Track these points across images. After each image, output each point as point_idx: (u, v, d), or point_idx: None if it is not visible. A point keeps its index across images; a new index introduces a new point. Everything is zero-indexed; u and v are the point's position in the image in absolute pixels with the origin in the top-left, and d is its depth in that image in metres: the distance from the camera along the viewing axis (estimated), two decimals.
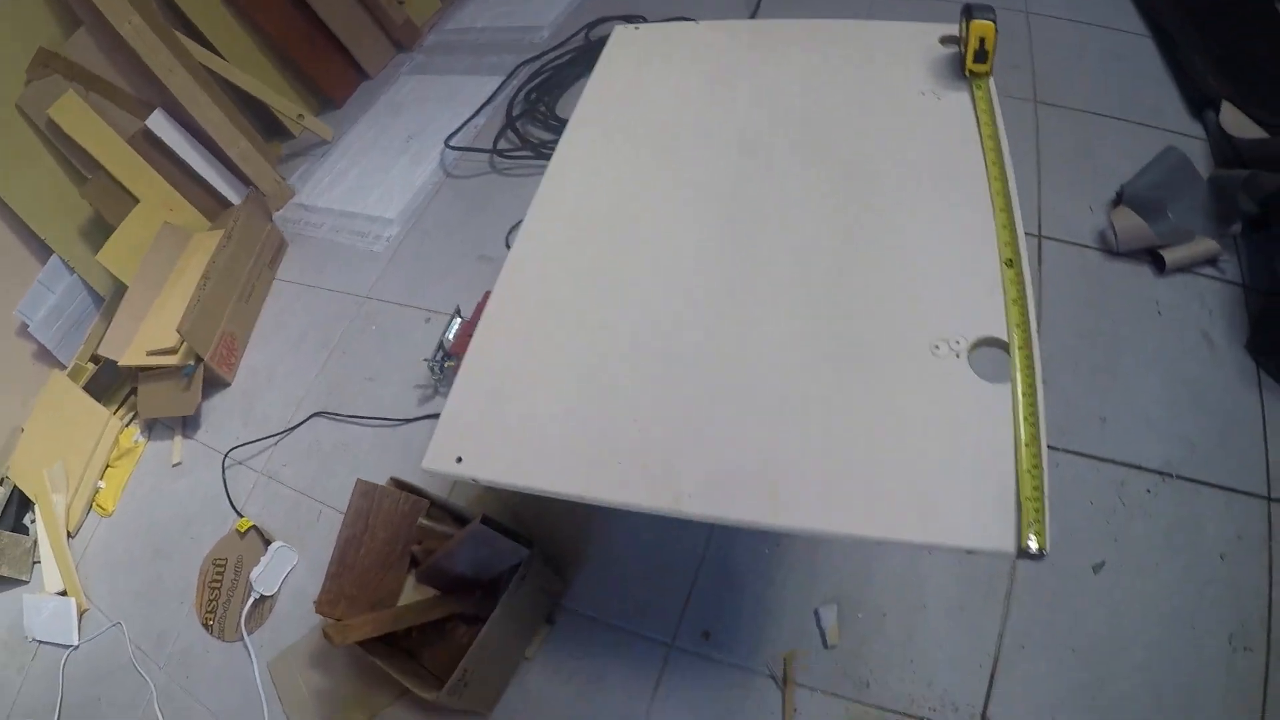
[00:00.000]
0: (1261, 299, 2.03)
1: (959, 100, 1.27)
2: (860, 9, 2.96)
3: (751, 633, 1.63)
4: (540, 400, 1.00)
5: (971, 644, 1.60)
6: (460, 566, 1.60)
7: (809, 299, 1.03)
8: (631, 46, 1.55)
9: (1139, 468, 1.79)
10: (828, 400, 0.93)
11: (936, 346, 0.97)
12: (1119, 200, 2.19)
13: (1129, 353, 1.97)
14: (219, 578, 2.08)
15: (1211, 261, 2.11)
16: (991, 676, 1.57)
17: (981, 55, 1.29)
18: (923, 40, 1.39)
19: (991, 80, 1.29)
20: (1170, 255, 2.06)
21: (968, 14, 1.28)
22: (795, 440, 0.90)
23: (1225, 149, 2.33)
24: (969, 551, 0.83)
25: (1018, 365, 0.93)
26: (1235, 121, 2.37)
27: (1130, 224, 2.08)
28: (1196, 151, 2.35)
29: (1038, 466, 0.86)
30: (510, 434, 0.97)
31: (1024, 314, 0.97)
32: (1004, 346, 0.95)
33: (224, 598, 2.05)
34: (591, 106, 1.43)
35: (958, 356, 0.95)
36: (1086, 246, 2.18)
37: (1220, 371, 1.92)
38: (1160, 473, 1.77)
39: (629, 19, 3.17)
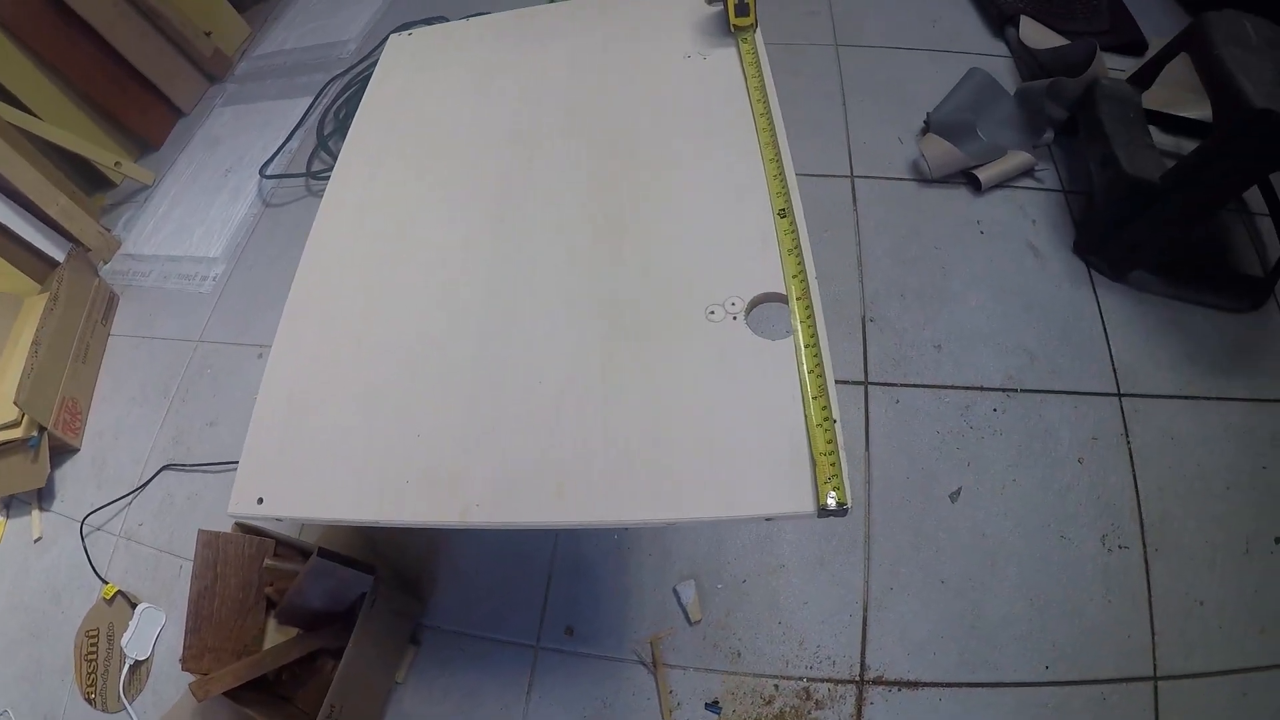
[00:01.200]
0: (1082, 200, 2.08)
1: (726, 57, 1.24)
2: None
3: (614, 622, 1.62)
4: (330, 429, 0.94)
5: (838, 596, 1.60)
6: (313, 601, 1.56)
7: (580, 285, 1.00)
8: (404, 55, 1.48)
9: (981, 388, 1.80)
10: (606, 386, 0.90)
11: (712, 311, 0.93)
12: (928, 129, 2.20)
13: (956, 276, 1.99)
14: (94, 649, 1.99)
15: (1028, 172, 2.15)
16: (864, 624, 1.57)
17: (743, 9, 1.26)
18: (689, 3, 1.34)
19: (758, 32, 1.26)
20: (984, 174, 2.09)
21: None
22: (577, 433, 0.87)
23: (1029, 62, 2.38)
24: (767, 519, 0.79)
25: (798, 317, 0.90)
26: (1035, 34, 2.42)
27: (939, 150, 2.09)
28: (1002, 69, 2.41)
29: (829, 419, 0.83)
30: (305, 467, 0.92)
31: (800, 263, 0.94)
32: (783, 300, 0.92)
33: (101, 668, 1.96)
34: (365, 122, 1.36)
35: (734, 319, 0.92)
36: (901, 179, 2.20)
37: (1050, 278, 1.96)
38: (1004, 389, 1.79)
39: (431, 21, 3.08)
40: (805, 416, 0.84)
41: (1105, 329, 1.83)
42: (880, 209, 2.13)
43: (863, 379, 1.83)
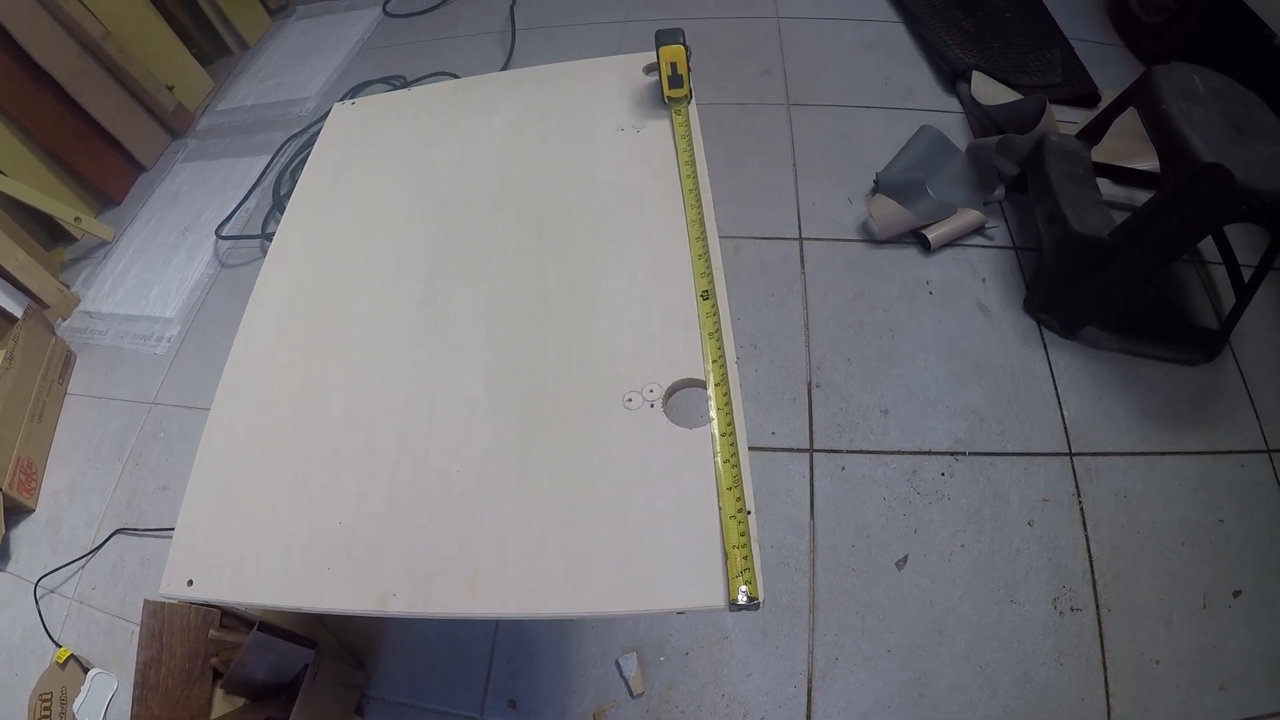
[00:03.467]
0: (1033, 258, 2.09)
1: (659, 130, 1.24)
2: (612, 42, 2.96)
3: (557, 695, 1.59)
4: (259, 510, 0.93)
5: (782, 667, 1.58)
6: (256, 674, 1.57)
7: (501, 372, 0.98)
8: (345, 124, 1.48)
9: (929, 453, 1.80)
10: (523, 477, 0.88)
11: (629, 399, 0.92)
12: (877, 189, 2.22)
13: (904, 338, 1.99)
14: (47, 713, 1.96)
15: (979, 230, 2.16)
16: (809, 695, 1.55)
17: (676, 80, 1.26)
18: (627, 73, 1.36)
19: (692, 104, 1.26)
20: (934, 233, 2.10)
21: (658, 40, 1.25)
22: (493, 523, 0.85)
23: (980, 117, 2.42)
24: (679, 613, 0.77)
25: (715, 404, 0.89)
26: (986, 89, 2.45)
27: (887, 211, 2.11)
28: (954, 125, 2.43)
29: (742, 509, 0.81)
30: (234, 549, 0.90)
31: (720, 348, 0.93)
32: (701, 385, 0.91)
33: None
34: (304, 194, 1.34)
35: (652, 406, 0.91)
36: (849, 240, 2.21)
37: (1000, 337, 1.96)
38: (952, 453, 1.79)
39: (389, 81, 3.10)
40: (719, 508, 0.82)
41: (1056, 387, 1.84)
42: (828, 271, 2.13)
43: (808, 446, 1.83)
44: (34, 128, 2.90)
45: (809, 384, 1.90)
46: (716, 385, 0.90)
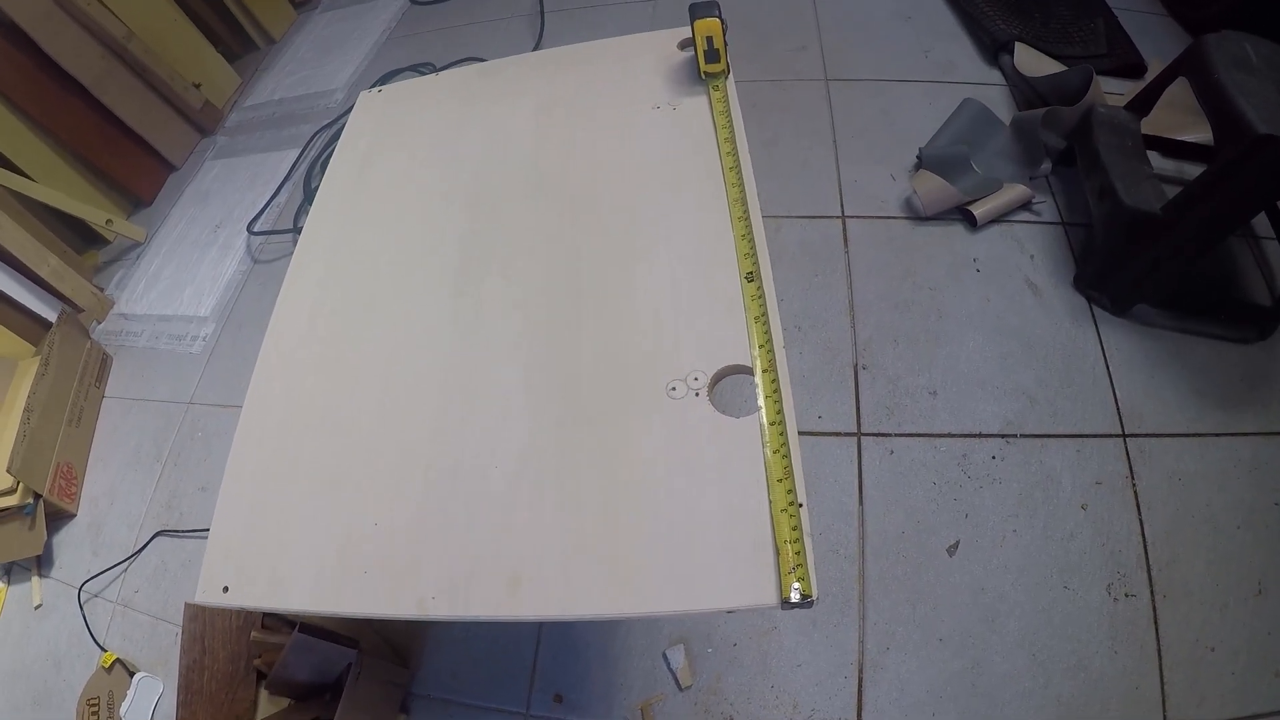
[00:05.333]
0: (1082, 233, 2.01)
1: (696, 107, 1.20)
2: (644, 20, 2.92)
3: (603, 688, 1.57)
4: (293, 513, 0.90)
5: (832, 657, 1.53)
6: (299, 675, 1.57)
7: (537, 365, 0.95)
8: (372, 112, 1.45)
9: (979, 435, 1.74)
10: (562, 472, 0.84)
11: (673, 388, 0.88)
12: (920, 165, 2.15)
13: (951, 318, 1.93)
14: (95, 718, 1.96)
15: (1026, 206, 2.09)
16: (859, 686, 1.50)
17: (713, 55, 1.21)
18: (661, 49, 1.31)
19: (730, 78, 1.21)
20: (980, 209, 2.04)
21: (692, 14, 1.20)
22: (532, 522, 0.82)
23: (1024, 90, 2.34)
24: (729, 612, 0.74)
25: (763, 391, 0.84)
26: (1030, 61, 2.37)
27: (932, 186, 2.05)
28: (997, 99, 2.36)
29: (793, 503, 0.77)
30: (269, 553, 0.88)
31: (766, 331, 0.89)
32: (749, 372, 0.87)
33: None
34: (331, 186, 1.32)
35: (697, 395, 0.87)
36: (894, 218, 2.15)
37: (1050, 316, 1.90)
38: (1002, 435, 1.73)
39: (419, 69, 3.07)
40: (769, 501, 0.78)
41: (1108, 367, 1.77)
42: (872, 250, 2.07)
43: (855, 430, 1.78)
44: (61, 132, 2.91)
45: (855, 366, 1.85)
46: (764, 371, 0.86)
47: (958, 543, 1.61)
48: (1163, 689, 1.39)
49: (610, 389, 0.92)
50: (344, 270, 1.17)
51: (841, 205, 2.17)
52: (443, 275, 1.11)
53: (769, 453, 0.81)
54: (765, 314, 0.91)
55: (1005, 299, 1.92)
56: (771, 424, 0.83)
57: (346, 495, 0.91)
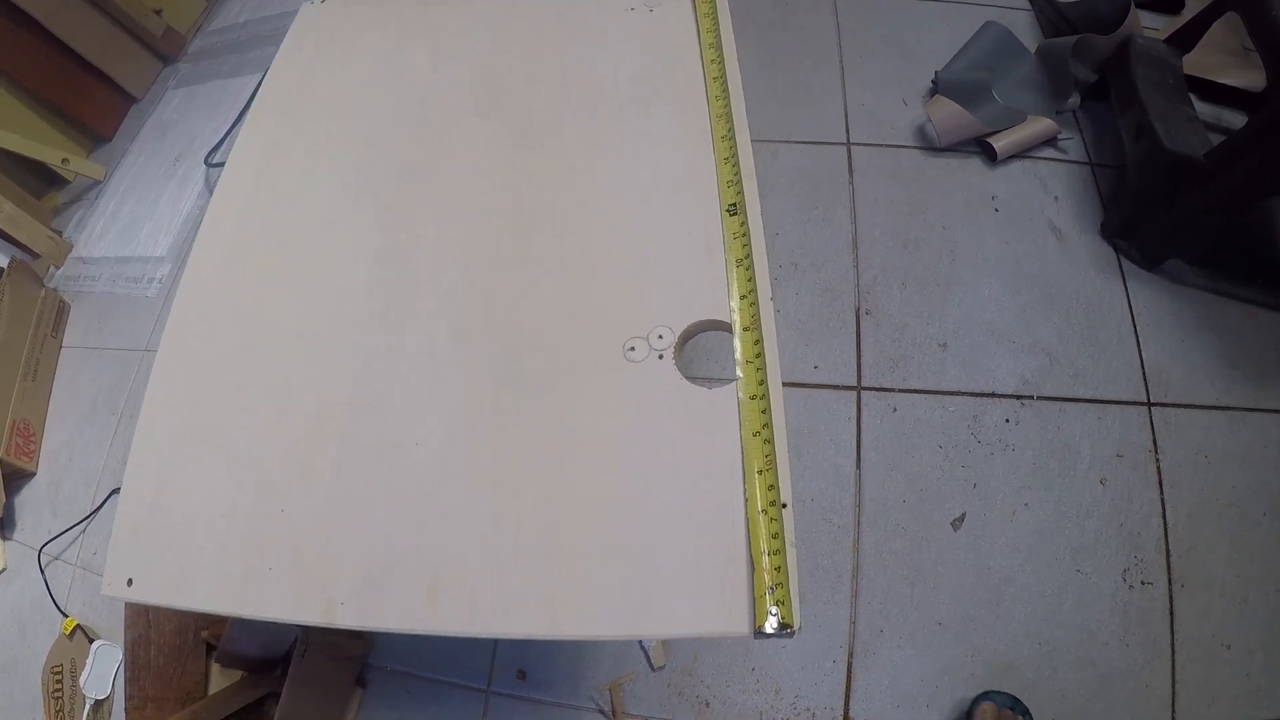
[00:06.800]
0: (1111, 176, 1.83)
1: (678, 7, 0.99)
2: None
3: (570, 666, 1.46)
4: (199, 495, 0.76)
5: (820, 639, 1.40)
6: (248, 649, 1.49)
7: (474, 314, 0.79)
8: (313, 26, 1.24)
9: (993, 395, 1.57)
10: (496, 450, 0.70)
11: (632, 348, 0.71)
12: (936, 90, 1.95)
13: (966, 261, 1.74)
14: (59, 686, 1.88)
15: (1050, 141, 1.90)
16: (849, 672, 1.37)
17: None
18: None
19: None
20: (1000, 142, 1.84)
21: None
22: (458, 512, 0.68)
23: (1052, 16, 2.14)
24: (695, 638, 0.57)
25: (743, 355, 0.67)
26: None
27: (948, 113, 1.85)
28: (1021, 24, 2.15)
29: (776, 503, 0.60)
30: (174, 543, 0.74)
31: (750, 279, 0.71)
32: (726, 329, 0.69)
33: (68, 707, 1.86)
34: (262, 111, 1.11)
35: (660, 357, 0.70)
36: (904, 146, 1.94)
37: (1073, 264, 1.72)
38: (1018, 396, 1.56)
39: None
40: (744, 498, 0.61)
41: (1135, 326, 1.60)
42: (880, 181, 1.87)
43: (855, 383, 1.61)
44: (14, 71, 2.70)
45: (857, 310, 1.67)
46: (745, 330, 0.69)
47: (963, 515, 1.46)
48: (1174, 687, 1.28)
49: (558, 347, 0.75)
50: (267, 208, 0.98)
51: (847, 131, 1.96)
52: (373, 211, 0.92)
53: (747, 434, 0.64)
54: (749, 257, 0.73)
55: (1025, 243, 1.74)
56: (751, 398, 0.66)
57: (253, 475, 0.75)
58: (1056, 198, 1.81)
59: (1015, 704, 1.27)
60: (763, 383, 0.66)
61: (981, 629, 1.37)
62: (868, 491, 1.51)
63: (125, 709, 1.56)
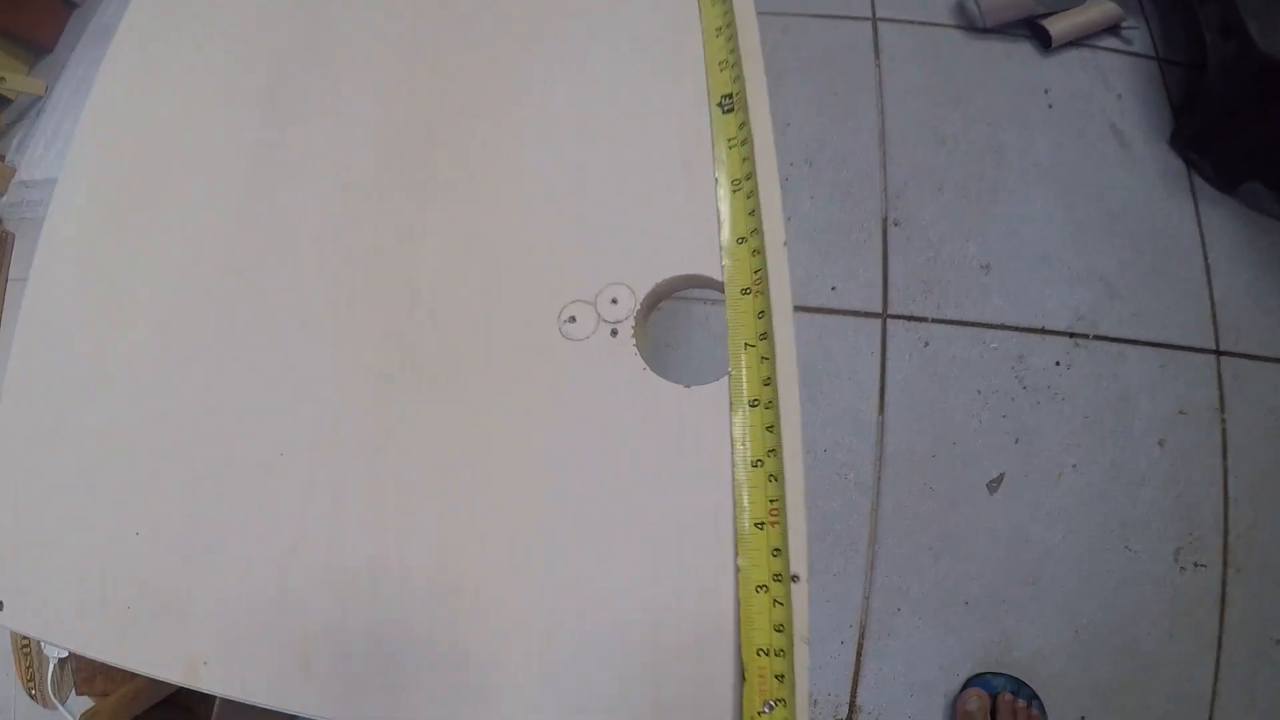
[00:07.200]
0: (1183, 76, 1.56)
1: None
2: None
3: None
4: (57, 510, 0.58)
5: (828, 616, 1.24)
6: None
7: (357, 271, 0.55)
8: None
9: (1042, 331, 1.33)
10: (376, 470, 0.49)
11: (570, 318, 0.46)
12: None
13: (1012, 165, 1.46)
14: (26, 643, 1.72)
15: (1114, 29, 1.62)
16: (858, 654, 1.21)
17: None
18: None
19: None
20: (1055, 26, 1.57)
21: None
22: (330, 553, 0.49)
23: None
24: None
25: (743, 333, 0.43)
26: None
27: None
28: None
29: (780, 576, 0.39)
30: (40, 565, 0.57)
31: (754, 210, 0.47)
32: (715, 288, 0.45)
33: (35, 663, 1.79)
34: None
35: (614, 333, 0.46)
36: (942, 25, 1.63)
37: (1137, 178, 1.45)
38: (1071, 334, 1.32)
39: None
40: (735, 567, 0.40)
41: (1206, 257, 1.37)
42: (913, 65, 1.58)
43: (880, 310, 1.36)
44: None
45: (884, 221, 1.41)
46: (745, 292, 0.44)
47: (1001, 476, 1.25)
48: (1215, 684, 1.15)
49: (461, 319, 0.51)
50: (131, 138, 0.71)
51: (873, 3, 1.66)
52: (244, 124, 0.66)
53: (743, 463, 0.41)
54: (752, 176, 0.48)
55: (1083, 148, 1.47)
56: (753, 404, 0.42)
57: (104, 484, 0.56)
58: (1119, 96, 1.54)
59: (1020, 688, 1.13)
60: (770, 381, 0.42)
61: (1014, 610, 1.20)
62: (891, 443, 1.29)
63: (75, 680, 1.43)
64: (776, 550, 0.40)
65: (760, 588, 0.39)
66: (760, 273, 0.44)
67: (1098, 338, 1.33)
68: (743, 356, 0.43)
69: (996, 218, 1.43)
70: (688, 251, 0.47)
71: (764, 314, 0.43)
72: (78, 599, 0.54)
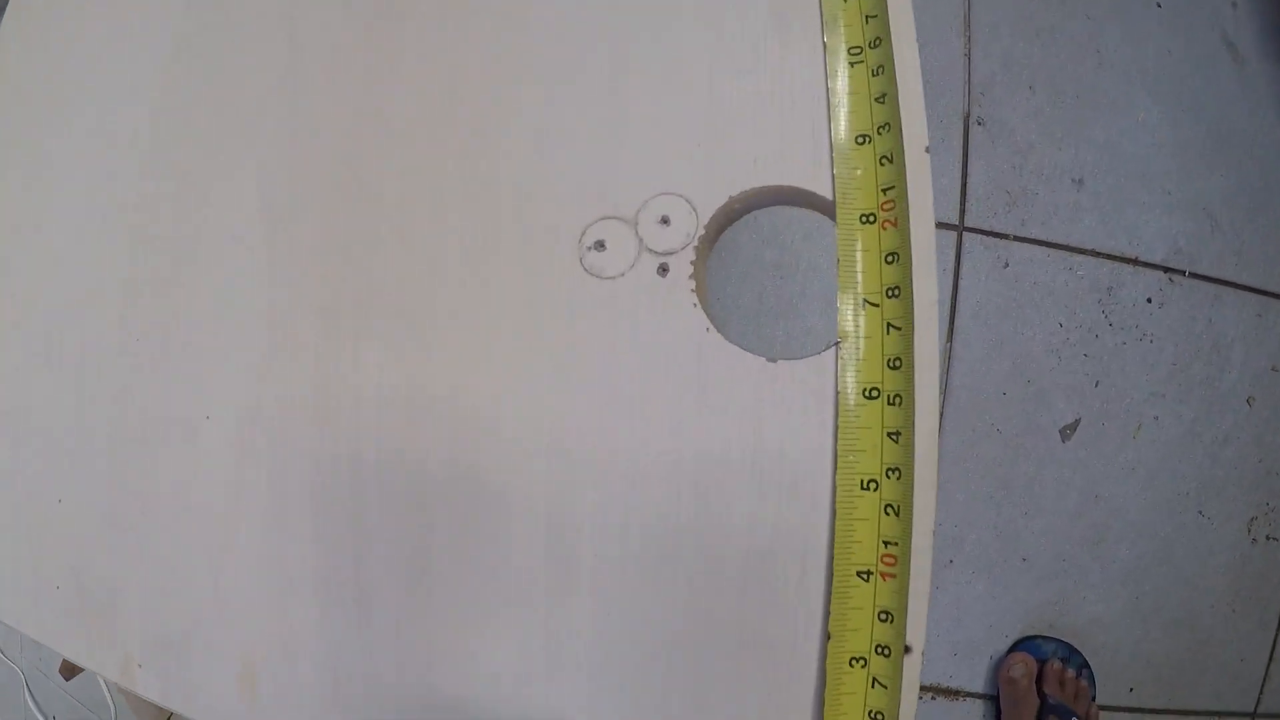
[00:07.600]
0: None
1: None
2: None
3: None
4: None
5: None
6: None
7: (308, 182, 0.41)
8: None
9: (1135, 262, 1.18)
10: (319, 452, 0.38)
11: (598, 242, 0.31)
12: None
13: (1114, 67, 1.28)
14: None
15: None
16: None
17: None
18: None
19: None
20: None
21: None
22: (266, 543, 0.38)
23: None
24: None
25: (858, 290, 0.27)
26: None
27: None
28: None
29: (885, 648, 0.27)
30: None
31: (888, 94, 0.30)
32: (824, 209, 0.31)
33: None
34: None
35: (663, 270, 0.30)
36: None
37: (1250, 99, 1.28)
38: (1166, 269, 1.18)
39: None
40: (825, 634, 0.28)
41: None
42: None
43: (957, 221, 1.19)
44: None
45: (966, 117, 1.22)
46: (868, 219, 0.29)
47: (1077, 422, 1.13)
48: (1268, 669, 1.10)
49: (441, 245, 0.37)
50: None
51: None
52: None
53: (848, 483, 0.27)
54: (885, 39, 0.32)
55: (1193, 59, 1.30)
56: (871, 394, 0.27)
57: (31, 443, 0.46)
58: (1235, 4, 1.35)
59: (1071, 655, 1.06)
60: (899, 362, 0.28)
61: (1074, 571, 1.11)
62: (958, 375, 1.16)
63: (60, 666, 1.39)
64: (886, 614, 0.26)
65: (856, 660, 0.27)
66: (892, 191, 0.29)
67: (1194, 275, 1.19)
68: (860, 320, 0.28)
69: (1095, 125, 1.27)
70: (777, 150, 0.31)
71: (896, 258, 0.28)
72: (10, 575, 0.45)
